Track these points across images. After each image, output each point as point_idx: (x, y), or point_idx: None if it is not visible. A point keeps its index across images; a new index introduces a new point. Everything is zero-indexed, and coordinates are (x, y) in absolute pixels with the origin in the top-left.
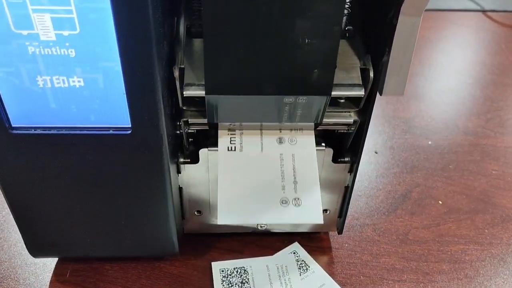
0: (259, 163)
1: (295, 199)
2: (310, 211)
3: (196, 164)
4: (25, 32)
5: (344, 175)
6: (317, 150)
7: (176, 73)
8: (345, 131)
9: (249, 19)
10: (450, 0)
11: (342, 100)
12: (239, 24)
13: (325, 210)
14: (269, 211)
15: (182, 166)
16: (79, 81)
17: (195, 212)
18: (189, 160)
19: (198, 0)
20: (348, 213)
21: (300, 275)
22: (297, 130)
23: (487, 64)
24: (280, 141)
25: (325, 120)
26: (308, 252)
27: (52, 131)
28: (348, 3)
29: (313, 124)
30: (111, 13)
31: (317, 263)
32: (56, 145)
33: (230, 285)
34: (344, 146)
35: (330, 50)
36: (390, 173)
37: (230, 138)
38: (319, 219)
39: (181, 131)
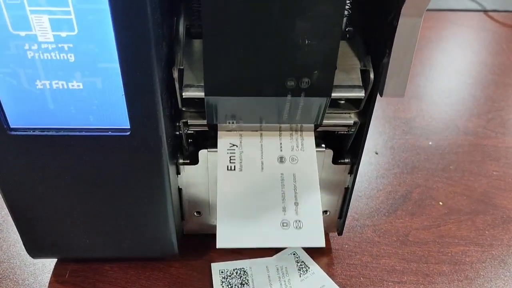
0: (260, 183)
1: (296, 221)
2: (312, 234)
3: (195, 165)
4: (23, 33)
5: (344, 176)
6: (317, 151)
7: (175, 74)
8: (345, 132)
9: (248, 20)
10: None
11: (342, 101)
12: (238, 25)
13: (325, 211)
14: (270, 235)
15: (181, 167)
16: (78, 85)
17: (195, 213)
18: (188, 161)
19: (198, 0)
20: (348, 214)
21: (300, 276)
22: (297, 131)
23: (488, 64)
24: (281, 160)
25: (325, 121)
26: (308, 253)
27: (51, 132)
28: (349, 4)
29: (313, 125)
30: (110, 14)
31: (317, 264)
32: (54, 146)
33: (229, 286)
34: (344, 147)
35: (330, 51)
36: (391, 174)
37: (230, 156)
38: (320, 243)
39: (180, 132)
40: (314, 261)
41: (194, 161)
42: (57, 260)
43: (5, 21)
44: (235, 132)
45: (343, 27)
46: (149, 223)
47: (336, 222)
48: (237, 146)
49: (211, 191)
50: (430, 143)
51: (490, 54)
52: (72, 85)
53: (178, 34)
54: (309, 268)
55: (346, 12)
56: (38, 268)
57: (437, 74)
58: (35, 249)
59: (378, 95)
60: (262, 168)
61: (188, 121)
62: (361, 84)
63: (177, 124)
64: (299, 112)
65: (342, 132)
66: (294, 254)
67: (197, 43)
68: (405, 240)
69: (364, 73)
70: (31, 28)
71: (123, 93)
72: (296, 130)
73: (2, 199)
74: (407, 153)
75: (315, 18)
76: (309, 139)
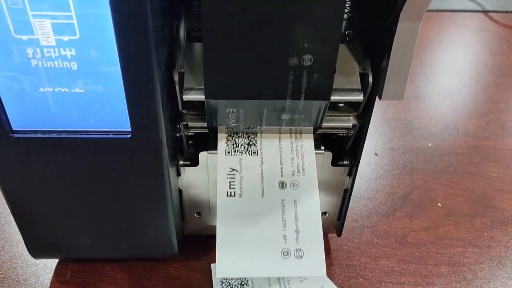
0: (260, 210)
1: (297, 250)
2: (313, 264)
3: (196, 167)
4: (25, 37)
5: (343, 178)
6: (316, 153)
7: (176, 77)
8: (344, 134)
9: (248, 24)
10: (451, 0)
11: (341, 105)
12: (238, 29)
13: (324, 213)
14: (270, 264)
15: (182, 168)
16: (80, 89)
17: (195, 214)
18: (189, 162)
19: (198, 4)
20: (347, 215)
21: (299, 277)
22: (296, 133)
23: (488, 65)
24: (282, 185)
25: (324, 124)
26: None
27: (53, 135)
28: (348, 8)
29: (312, 128)
30: (111, 18)
31: None
32: (56, 148)
33: (229, 286)
34: (343, 149)
35: (329, 55)
36: (390, 175)
37: (230, 182)
38: (322, 272)
39: (181, 134)
40: None
41: (195, 162)
42: (59, 260)
43: (8, 25)
44: (235, 156)
45: (343, 30)
46: (149, 224)
47: (335, 223)
48: (237, 171)
49: (211, 193)
50: (429, 144)
51: (490, 54)
52: (74, 90)
53: (179, 37)
54: None
55: (345, 16)
56: (39, 268)
57: (437, 74)
58: (36, 249)
59: (377, 98)
60: (263, 194)
61: (189, 123)
62: (360, 88)
63: (178, 126)
64: (298, 115)
65: (341, 135)
66: None
67: (197, 47)
68: (403, 242)
69: (363, 77)
70: (33, 32)
71: (124, 96)
72: (295, 133)
73: (4, 200)
74: (406, 154)
75: (315, 21)
76: (311, 164)
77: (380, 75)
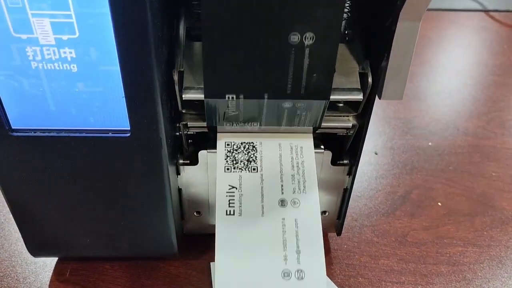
0: (260, 229)
1: (298, 271)
2: (315, 286)
3: (195, 166)
4: (24, 36)
5: (343, 177)
6: (315, 152)
7: (176, 77)
8: (344, 134)
9: (248, 23)
10: None
11: (340, 104)
12: (238, 28)
13: (324, 212)
14: (271, 286)
15: (181, 167)
16: (79, 89)
17: (195, 213)
18: (188, 161)
19: (198, 3)
20: (347, 214)
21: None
22: (296, 133)
23: (489, 65)
24: (282, 203)
25: (324, 124)
26: None
27: (52, 133)
28: (348, 7)
29: (311, 128)
30: (110, 18)
31: None
32: (55, 147)
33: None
34: (343, 148)
35: (329, 54)
36: (390, 174)
37: (229, 200)
38: None
39: (180, 133)
40: None
41: (194, 161)
42: (58, 259)
43: (7, 24)
44: (234, 172)
45: (342, 29)
46: (149, 223)
47: (335, 222)
48: (236, 189)
49: (211, 192)
50: (429, 143)
51: (491, 54)
52: (74, 89)
53: (178, 36)
54: None
55: (345, 15)
56: (39, 266)
57: (437, 74)
58: (36, 247)
59: (377, 97)
60: (263, 213)
61: (188, 123)
62: (359, 87)
63: (177, 125)
64: (297, 115)
65: (341, 134)
66: None
67: (197, 46)
68: (403, 241)
69: (363, 76)
70: (32, 31)
71: (124, 95)
72: (294, 132)
73: (4, 198)
74: (406, 153)
75: (314, 21)
76: (312, 181)
77: (379, 75)
